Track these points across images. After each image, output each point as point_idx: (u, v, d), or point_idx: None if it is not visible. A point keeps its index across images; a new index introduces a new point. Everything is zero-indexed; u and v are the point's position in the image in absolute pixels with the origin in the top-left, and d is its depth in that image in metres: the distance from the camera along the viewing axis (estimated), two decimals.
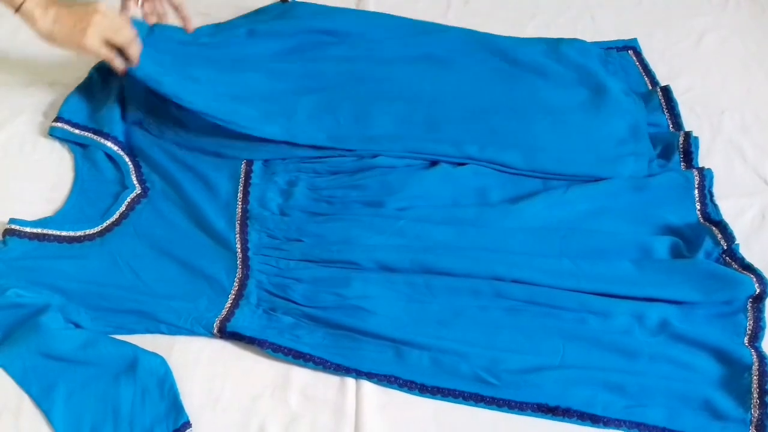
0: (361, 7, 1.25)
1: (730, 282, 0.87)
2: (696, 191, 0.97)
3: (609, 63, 1.15)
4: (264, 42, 1.10)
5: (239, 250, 0.92)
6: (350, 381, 0.83)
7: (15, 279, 0.86)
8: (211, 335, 0.85)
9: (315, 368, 0.83)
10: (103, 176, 0.99)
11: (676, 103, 1.08)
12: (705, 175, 0.98)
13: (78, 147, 1.01)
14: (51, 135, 1.02)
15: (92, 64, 1.09)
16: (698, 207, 0.96)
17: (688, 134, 1.03)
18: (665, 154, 1.03)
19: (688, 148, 1.02)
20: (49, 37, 0.91)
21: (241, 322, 0.85)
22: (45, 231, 0.91)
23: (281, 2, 1.18)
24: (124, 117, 1.03)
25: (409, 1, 1.27)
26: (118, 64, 0.96)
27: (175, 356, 0.84)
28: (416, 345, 0.84)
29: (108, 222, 0.94)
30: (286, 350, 0.83)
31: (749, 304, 0.88)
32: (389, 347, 0.84)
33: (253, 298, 0.89)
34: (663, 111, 1.08)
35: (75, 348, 0.82)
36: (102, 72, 1.07)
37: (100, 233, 0.93)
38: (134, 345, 0.83)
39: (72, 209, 0.95)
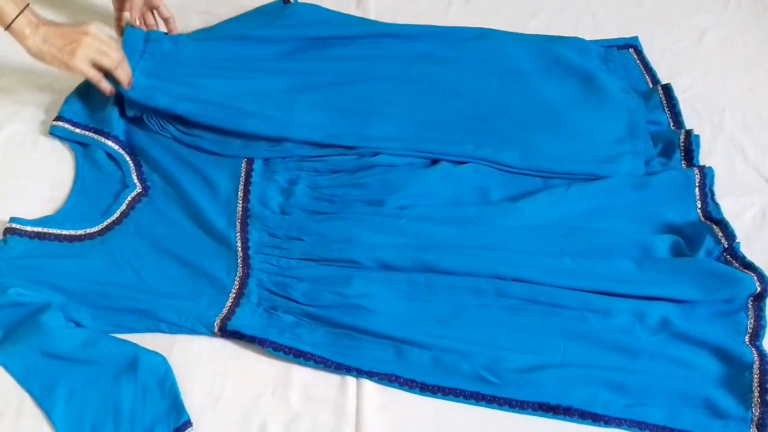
0: (361, 6, 1.24)
1: (730, 280, 0.87)
2: (697, 190, 0.97)
3: (609, 61, 1.14)
4: (263, 44, 1.10)
5: (240, 248, 0.92)
6: (351, 380, 0.83)
7: (16, 278, 0.86)
8: (212, 334, 0.85)
9: (316, 367, 0.83)
10: (104, 175, 0.99)
11: (677, 102, 1.08)
12: (706, 174, 0.98)
13: (78, 146, 1.01)
14: (52, 134, 1.02)
15: None
16: (699, 205, 0.96)
17: (689, 132, 1.03)
18: (666, 152, 1.03)
19: (689, 147, 1.02)
20: (38, 56, 0.92)
21: (241, 321, 0.85)
22: (46, 230, 0.91)
23: (282, 2, 1.18)
24: (124, 114, 1.03)
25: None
26: (105, 86, 0.97)
27: (175, 355, 0.84)
28: (417, 344, 0.84)
29: (109, 221, 0.94)
30: (286, 349, 0.83)
31: (750, 303, 0.88)
32: (390, 346, 0.84)
33: (253, 297, 0.89)
34: (664, 109, 1.08)
35: (76, 347, 0.82)
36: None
37: (101, 232, 0.93)
38: (135, 344, 0.83)
39: (73, 208, 0.95)
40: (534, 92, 1.08)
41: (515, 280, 0.89)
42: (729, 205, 0.97)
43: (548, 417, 0.80)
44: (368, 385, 0.82)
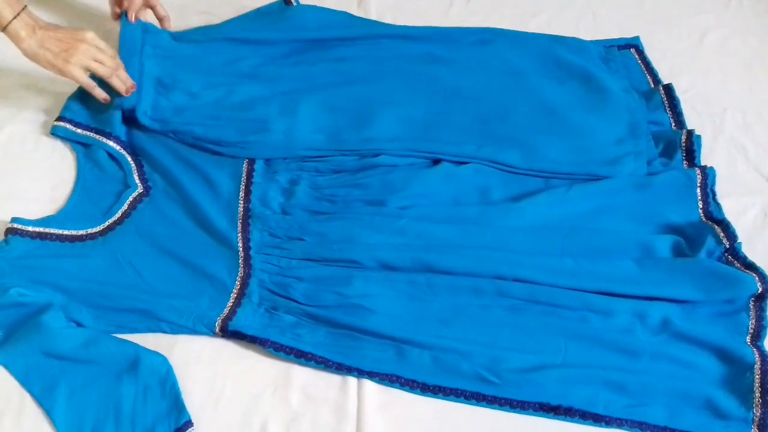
0: (362, 6, 1.24)
1: (732, 281, 0.87)
2: (698, 190, 0.97)
3: (610, 61, 1.14)
4: (263, 47, 1.10)
5: (241, 248, 0.92)
6: (352, 380, 0.83)
7: (17, 278, 0.86)
8: (213, 334, 0.85)
9: (316, 367, 0.83)
10: (105, 175, 0.99)
11: (679, 102, 1.08)
12: (707, 174, 0.98)
13: (80, 146, 1.02)
14: (53, 134, 1.02)
15: None
16: (700, 206, 0.96)
17: (690, 133, 1.03)
18: (667, 152, 1.03)
19: (691, 147, 1.02)
20: (33, 59, 0.93)
21: (242, 321, 0.85)
22: (47, 230, 0.91)
23: (283, 3, 1.18)
24: (125, 113, 1.03)
25: None
26: (98, 93, 0.98)
27: (176, 355, 0.84)
28: (417, 344, 0.84)
29: (110, 221, 0.94)
30: (287, 349, 0.83)
31: (751, 303, 0.88)
32: (390, 346, 0.84)
33: (254, 297, 0.89)
34: (665, 109, 1.08)
35: (77, 347, 0.82)
36: None
37: (102, 232, 0.93)
38: (136, 344, 0.83)
39: (74, 208, 0.95)
40: (535, 93, 1.08)
41: (516, 280, 0.89)
42: (730, 205, 0.97)
43: (549, 417, 0.80)
44: (369, 385, 0.82)
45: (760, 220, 0.98)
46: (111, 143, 1.00)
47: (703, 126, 1.07)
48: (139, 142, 1.02)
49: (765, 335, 0.86)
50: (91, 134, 1.01)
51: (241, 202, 0.97)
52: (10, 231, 0.90)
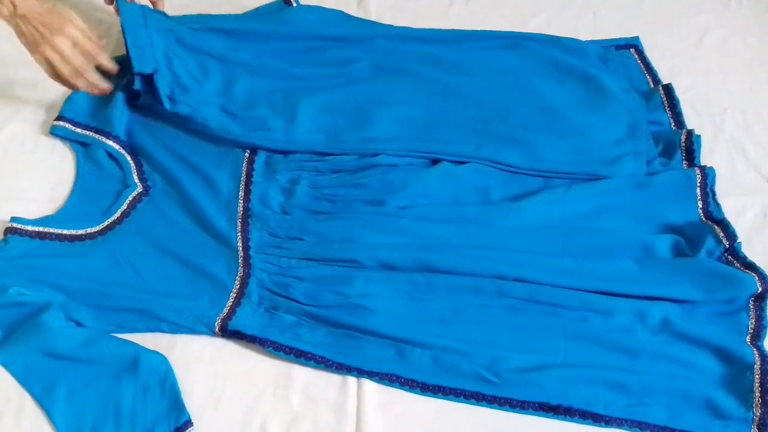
0: (362, 6, 1.24)
1: (732, 281, 0.87)
2: (698, 190, 0.97)
3: (608, 61, 1.14)
4: (261, 43, 1.10)
5: (240, 248, 0.92)
6: (352, 380, 0.83)
7: (16, 277, 0.86)
8: (213, 334, 0.85)
9: (316, 367, 0.83)
10: (105, 175, 0.99)
11: (678, 102, 1.08)
12: (707, 174, 0.97)
13: (79, 146, 1.01)
14: (52, 134, 1.02)
15: None
16: (700, 205, 0.96)
17: (690, 132, 1.03)
18: (667, 152, 1.03)
19: (690, 147, 1.02)
20: (14, 29, 0.89)
21: (242, 321, 0.85)
22: (46, 229, 0.91)
23: (283, 3, 1.18)
24: (129, 103, 1.03)
25: None
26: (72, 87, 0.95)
27: (176, 355, 0.84)
28: (417, 343, 0.84)
29: (109, 220, 0.94)
30: (287, 349, 0.83)
31: (751, 303, 0.88)
32: (390, 346, 0.84)
33: (254, 297, 0.89)
34: (665, 109, 1.08)
35: (76, 346, 0.82)
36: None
37: (102, 232, 0.93)
38: (135, 343, 0.83)
39: (73, 208, 0.95)
40: (534, 93, 1.08)
41: (516, 280, 0.89)
42: (730, 205, 0.97)
43: (549, 417, 0.80)
44: (369, 385, 0.82)
45: (760, 220, 0.98)
46: (110, 143, 1.00)
47: (703, 126, 1.07)
48: (139, 142, 1.02)
49: (765, 335, 0.86)
50: (91, 134, 1.01)
51: (241, 201, 0.97)
52: (9, 230, 0.90)
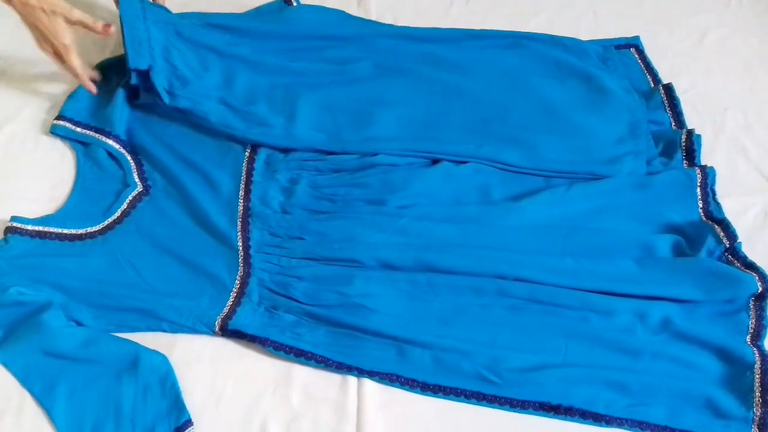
0: (362, 6, 1.24)
1: (732, 280, 0.87)
2: (698, 189, 0.97)
3: (608, 60, 1.14)
4: (260, 40, 1.10)
5: (241, 248, 0.92)
6: (352, 379, 0.83)
7: (17, 277, 0.86)
8: (213, 333, 0.85)
9: (317, 366, 0.83)
10: (105, 174, 0.99)
11: (679, 101, 1.08)
12: (707, 174, 0.97)
13: (79, 145, 1.01)
14: (53, 133, 1.02)
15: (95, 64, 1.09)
16: (701, 205, 0.96)
17: (690, 132, 1.03)
18: (667, 152, 1.03)
19: (691, 146, 1.02)
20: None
21: (242, 320, 0.85)
22: (47, 229, 0.91)
23: (283, 2, 1.18)
24: (129, 102, 1.03)
25: None
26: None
27: (176, 354, 0.84)
28: (418, 343, 0.84)
29: (110, 220, 0.94)
30: (287, 348, 0.83)
31: (751, 303, 0.88)
32: (391, 345, 0.84)
33: (254, 296, 0.89)
34: (665, 109, 1.08)
35: (77, 346, 0.82)
36: (104, 70, 1.07)
37: (102, 231, 0.93)
38: (136, 343, 0.83)
39: (74, 207, 0.95)
40: (535, 92, 1.07)
41: (516, 279, 0.89)
42: (730, 205, 0.97)
43: (549, 417, 0.80)
44: (369, 384, 0.82)
45: (761, 219, 0.98)
46: (111, 142, 1.00)
47: (703, 126, 1.07)
48: (139, 141, 1.02)
49: (765, 335, 0.86)
50: (91, 133, 1.01)
51: (241, 201, 0.97)
52: (9, 230, 0.90)
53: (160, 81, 0.98)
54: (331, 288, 0.88)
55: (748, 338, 0.86)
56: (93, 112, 1.03)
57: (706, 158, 1.02)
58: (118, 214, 0.94)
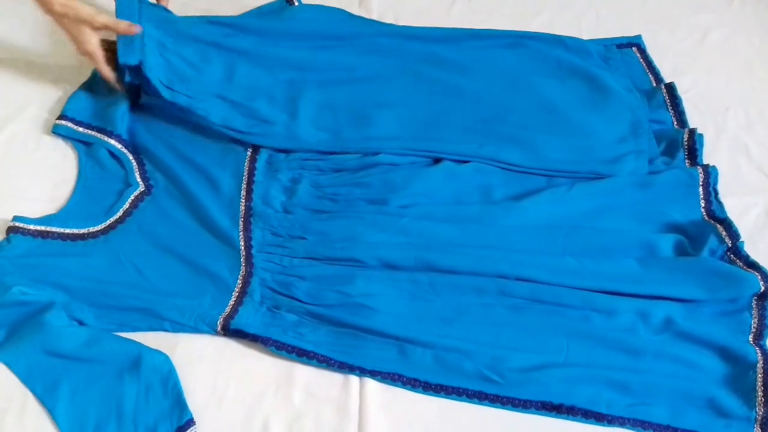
0: (363, 5, 1.24)
1: (734, 280, 0.87)
2: (701, 189, 0.97)
3: (610, 60, 1.14)
4: (260, 38, 1.10)
5: (243, 247, 0.92)
6: (354, 379, 0.83)
7: (19, 276, 0.86)
8: (215, 333, 0.85)
9: (318, 366, 0.83)
10: (107, 174, 0.99)
11: (681, 100, 1.08)
12: (710, 173, 0.97)
13: (81, 145, 1.01)
14: (54, 133, 1.02)
15: None
16: (703, 204, 0.96)
17: (692, 131, 1.03)
18: (669, 151, 1.03)
19: (693, 146, 1.01)
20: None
21: (244, 320, 0.85)
22: (49, 228, 0.91)
23: (285, 2, 1.18)
24: (131, 102, 1.03)
25: None
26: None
27: (178, 354, 0.84)
28: (420, 343, 0.84)
29: (112, 220, 0.94)
30: (289, 348, 0.83)
31: (754, 302, 0.88)
32: (393, 345, 0.84)
33: (256, 296, 0.89)
34: (667, 108, 1.08)
35: (79, 345, 0.82)
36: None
37: (104, 231, 0.93)
38: (138, 342, 0.83)
39: (75, 207, 0.95)
40: (536, 92, 1.07)
41: (518, 279, 0.89)
42: (733, 204, 0.97)
43: (551, 416, 0.80)
44: (371, 384, 0.82)
45: (763, 219, 0.97)
46: (112, 142, 1.00)
47: (705, 125, 1.07)
48: (141, 141, 1.02)
49: (767, 334, 0.85)
50: (93, 133, 1.01)
51: (243, 200, 0.97)
52: (11, 229, 0.90)
53: (155, 75, 0.98)
54: (332, 288, 0.88)
55: (750, 338, 0.85)
56: (95, 112, 1.03)
57: (708, 157, 1.02)
58: (120, 213, 0.94)
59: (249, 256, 0.92)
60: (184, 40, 1.03)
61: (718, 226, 0.93)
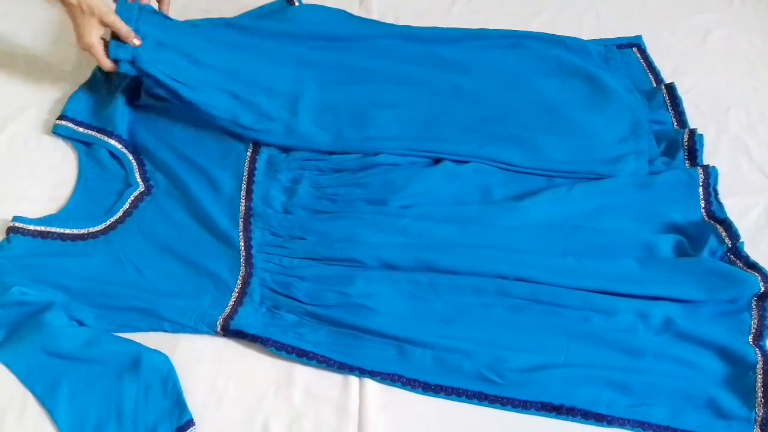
0: (364, 5, 1.24)
1: (734, 280, 0.87)
2: (701, 189, 0.97)
3: (610, 60, 1.14)
4: (264, 38, 1.10)
5: (243, 248, 0.92)
6: (353, 379, 0.83)
7: (19, 277, 0.86)
8: (215, 333, 0.85)
9: (318, 366, 0.83)
10: (107, 174, 0.99)
11: (681, 101, 1.08)
12: (710, 173, 0.97)
13: (82, 145, 1.02)
14: (55, 133, 1.02)
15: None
16: (703, 205, 0.96)
17: (692, 132, 1.03)
18: (670, 151, 1.03)
19: (693, 146, 1.01)
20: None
21: (244, 320, 0.85)
22: (49, 228, 0.91)
23: (285, 2, 1.18)
24: (131, 102, 1.03)
25: None
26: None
27: (178, 354, 0.84)
28: (419, 343, 0.84)
29: (112, 220, 0.94)
30: (289, 348, 0.83)
31: (754, 303, 0.87)
32: (392, 345, 0.84)
33: (256, 296, 0.89)
34: (668, 108, 1.08)
35: (79, 346, 0.82)
36: (105, 71, 1.06)
37: (104, 231, 0.93)
38: (138, 343, 0.83)
39: (76, 207, 0.95)
40: (536, 93, 1.07)
41: (518, 279, 0.89)
42: (733, 205, 0.97)
43: (551, 417, 0.80)
44: (371, 384, 0.82)
45: (763, 219, 0.97)
46: (113, 142, 1.00)
47: (706, 125, 1.07)
48: (141, 141, 1.02)
49: (767, 335, 0.85)
50: (93, 133, 1.01)
51: (243, 201, 0.97)
52: (11, 230, 0.90)
53: (149, 67, 0.97)
54: (332, 288, 0.88)
55: (750, 338, 0.85)
56: (95, 113, 1.03)
57: (708, 158, 1.02)
58: (120, 213, 0.95)
59: (249, 257, 0.92)
60: (183, 37, 1.03)
61: (718, 226, 0.93)
